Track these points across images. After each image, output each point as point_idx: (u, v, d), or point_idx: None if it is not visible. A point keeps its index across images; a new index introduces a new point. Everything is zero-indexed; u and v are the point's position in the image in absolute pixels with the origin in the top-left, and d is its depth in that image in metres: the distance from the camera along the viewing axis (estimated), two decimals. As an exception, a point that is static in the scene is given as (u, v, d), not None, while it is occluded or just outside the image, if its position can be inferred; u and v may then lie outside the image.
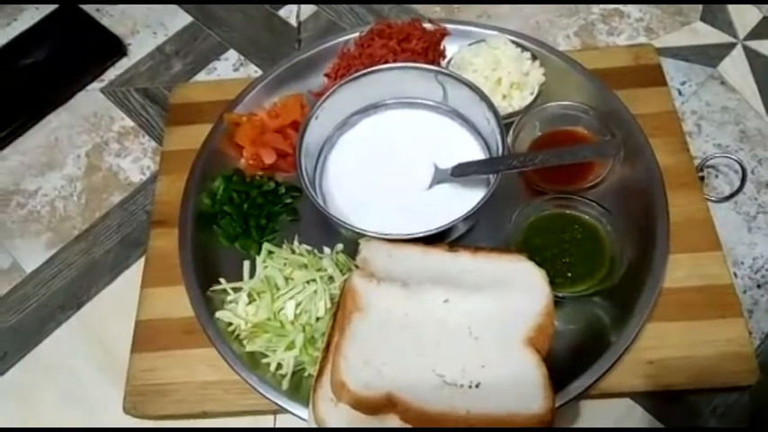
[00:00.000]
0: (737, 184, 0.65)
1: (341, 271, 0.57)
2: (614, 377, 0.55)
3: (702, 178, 0.64)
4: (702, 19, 0.79)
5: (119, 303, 0.64)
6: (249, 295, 0.57)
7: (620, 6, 0.81)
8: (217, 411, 0.57)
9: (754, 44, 0.76)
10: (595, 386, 0.54)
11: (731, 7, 0.79)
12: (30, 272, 0.67)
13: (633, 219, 0.60)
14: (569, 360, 0.55)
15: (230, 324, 0.57)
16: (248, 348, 0.56)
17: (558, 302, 0.52)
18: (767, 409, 0.56)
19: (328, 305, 0.56)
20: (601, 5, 0.81)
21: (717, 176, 0.66)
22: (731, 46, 0.76)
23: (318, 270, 0.57)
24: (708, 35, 0.78)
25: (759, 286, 0.61)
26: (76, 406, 0.60)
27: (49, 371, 0.62)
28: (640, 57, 0.72)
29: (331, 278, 0.57)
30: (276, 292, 0.56)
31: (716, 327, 0.56)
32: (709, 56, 0.75)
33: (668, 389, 0.55)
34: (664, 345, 0.56)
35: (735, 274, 0.61)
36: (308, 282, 0.57)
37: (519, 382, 0.47)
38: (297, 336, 0.54)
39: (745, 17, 0.79)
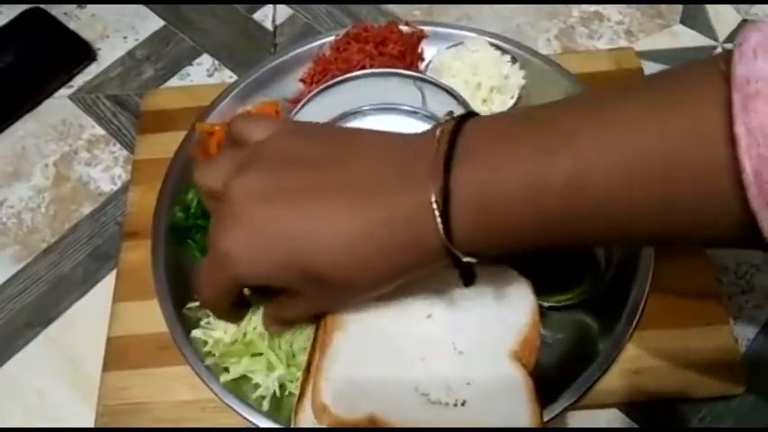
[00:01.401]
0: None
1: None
2: (601, 387, 0.54)
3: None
4: (682, 22, 0.79)
5: (89, 319, 0.62)
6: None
7: (600, 9, 0.80)
8: (193, 432, 0.55)
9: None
10: (583, 398, 0.53)
11: (711, 10, 0.79)
12: (-4, 287, 0.65)
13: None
14: (555, 371, 0.54)
15: (207, 343, 0.55)
16: (231, 376, 0.54)
17: (543, 312, 0.51)
18: (754, 418, 0.55)
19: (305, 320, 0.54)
20: (581, 7, 0.80)
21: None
22: (711, 49, 0.76)
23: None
24: (688, 38, 0.78)
25: (743, 292, 0.61)
26: (46, 426, 0.58)
27: (16, 390, 0.59)
28: (622, 60, 0.71)
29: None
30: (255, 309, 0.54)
31: (703, 335, 0.56)
32: (690, 59, 0.74)
33: (655, 398, 0.54)
34: (650, 353, 0.55)
35: (720, 281, 0.61)
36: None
37: (506, 397, 0.46)
38: (269, 354, 0.53)
39: (724, 20, 0.78)
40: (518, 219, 0.35)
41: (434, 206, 0.35)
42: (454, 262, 0.38)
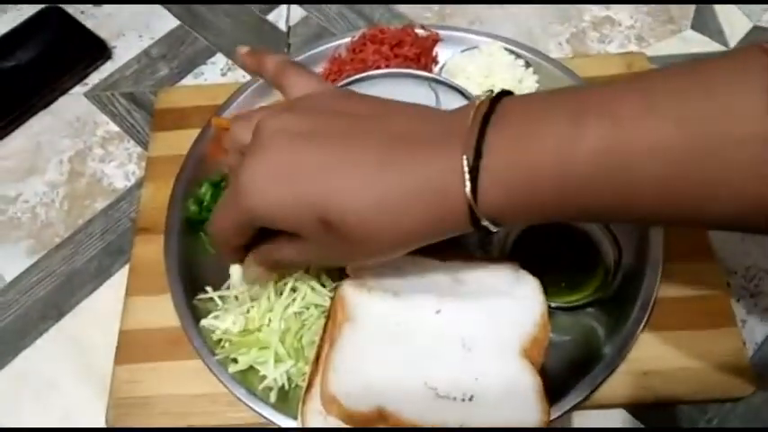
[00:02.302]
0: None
1: (331, 280, 0.56)
2: (608, 388, 0.54)
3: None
4: (693, 27, 0.79)
5: (101, 313, 0.62)
6: (236, 299, 0.56)
7: (612, 14, 0.80)
8: (203, 425, 0.55)
9: (744, 53, 0.76)
10: (590, 398, 0.53)
11: (721, 16, 0.79)
12: (10, 280, 0.65)
13: (627, 227, 0.59)
14: (563, 371, 0.54)
15: (214, 331, 0.56)
16: (239, 367, 0.54)
17: (551, 313, 0.51)
18: (761, 420, 0.55)
19: (315, 314, 0.55)
20: (593, 12, 0.81)
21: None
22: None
23: (308, 279, 0.56)
24: (698, 43, 0.78)
25: (752, 296, 0.61)
26: (57, 418, 0.58)
27: (28, 382, 0.60)
28: (633, 65, 0.72)
29: (324, 285, 0.55)
30: (265, 302, 0.55)
31: (711, 337, 0.56)
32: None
33: (663, 400, 0.54)
34: (658, 356, 0.55)
35: (728, 284, 0.61)
36: (295, 290, 0.55)
37: (514, 394, 0.46)
38: (278, 346, 0.53)
39: (735, 26, 0.79)
40: (545, 183, 0.35)
41: (465, 166, 0.36)
42: (474, 225, 0.38)
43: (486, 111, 0.37)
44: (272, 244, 0.46)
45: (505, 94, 0.39)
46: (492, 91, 0.39)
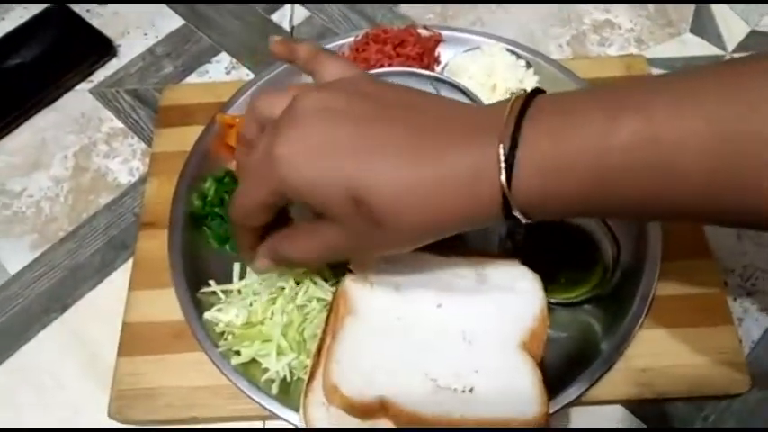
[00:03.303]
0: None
1: (334, 274, 0.57)
2: (606, 384, 0.55)
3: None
4: (692, 31, 0.80)
5: (105, 306, 0.63)
6: (239, 292, 0.57)
7: (612, 17, 0.81)
8: (205, 417, 0.56)
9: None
10: (587, 393, 0.54)
11: (720, 20, 0.80)
12: (13, 273, 0.66)
13: (625, 226, 0.60)
14: (561, 367, 0.55)
15: (217, 324, 0.56)
16: (242, 359, 0.55)
17: (550, 309, 0.52)
18: (757, 417, 0.56)
19: (317, 308, 0.55)
20: (593, 15, 0.82)
21: (707, 186, 0.67)
22: (720, 58, 0.77)
23: (310, 273, 0.56)
24: (697, 47, 0.79)
25: (749, 294, 0.61)
26: (60, 410, 0.59)
27: (32, 374, 0.61)
28: (632, 67, 0.72)
29: (326, 280, 0.56)
30: (268, 296, 0.55)
31: (708, 335, 0.56)
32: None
33: (660, 397, 0.55)
34: (655, 353, 0.56)
35: (725, 283, 0.61)
36: (298, 284, 0.56)
37: (513, 386, 0.47)
38: (280, 339, 0.54)
39: (733, 30, 0.80)
40: (580, 174, 0.36)
41: (501, 155, 0.36)
42: (506, 215, 0.38)
43: (522, 104, 0.38)
44: (286, 235, 0.46)
45: (539, 92, 0.40)
46: (525, 90, 0.40)
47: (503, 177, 0.36)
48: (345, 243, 0.42)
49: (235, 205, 0.45)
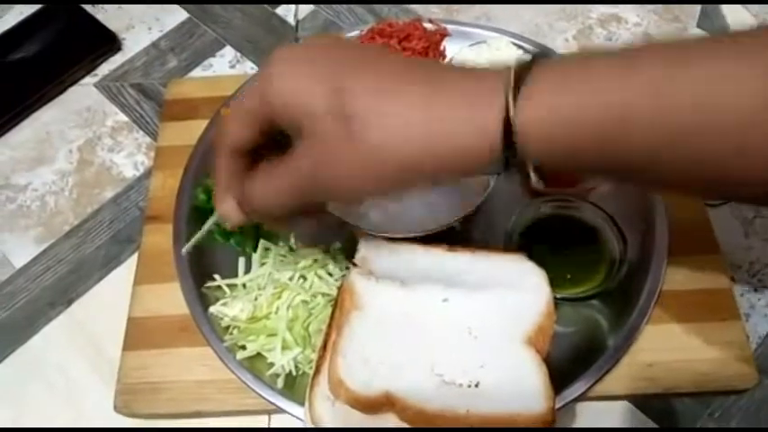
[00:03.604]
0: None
1: (339, 269, 0.56)
2: (613, 380, 0.54)
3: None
4: (699, 26, 0.80)
5: (110, 300, 0.63)
6: (244, 287, 0.57)
7: (618, 12, 0.81)
8: (210, 411, 0.56)
9: (750, 51, 0.76)
10: (594, 388, 0.53)
11: (728, 15, 0.80)
12: (19, 267, 0.66)
13: (632, 221, 0.60)
14: (568, 363, 0.55)
15: (223, 318, 0.56)
16: (247, 353, 0.55)
17: (556, 304, 0.52)
18: (764, 413, 0.56)
19: (322, 303, 0.55)
20: (600, 10, 0.81)
21: (714, 181, 0.66)
22: (728, 52, 0.77)
23: (315, 268, 0.56)
24: (704, 41, 0.78)
25: (756, 290, 0.61)
26: (66, 404, 0.59)
27: (37, 368, 0.61)
28: (639, 61, 0.72)
29: (330, 274, 0.56)
30: (273, 290, 0.55)
31: (715, 330, 0.56)
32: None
33: (667, 392, 0.55)
34: (662, 348, 0.56)
35: (732, 278, 0.61)
36: (304, 279, 0.56)
37: (519, 381, 0.47)
38: (285, 333, 0.54)
39: (740, 24, 0.79)
40: (589, 115, 0.35)
41: (511, 81, 0.35)
42: (507, 146, 0.36)
43: (526, 65, 0.37)
44: (252, 177, 0.43)
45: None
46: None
47: (510, 97, 0.35)
48: (310, 168, 0.39)
49: (221, 129, 0.44)
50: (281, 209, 0.42)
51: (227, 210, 0.45)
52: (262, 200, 0.42)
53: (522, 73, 0.36)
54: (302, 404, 0.50)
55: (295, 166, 0.40)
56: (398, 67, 0.39)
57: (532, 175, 0.38)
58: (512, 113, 0.35)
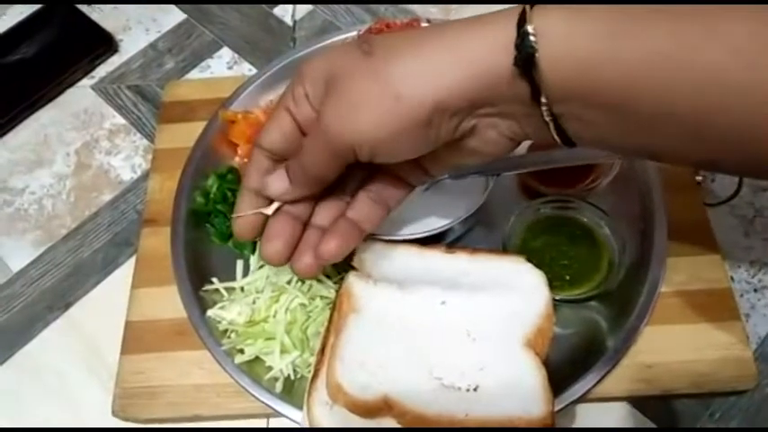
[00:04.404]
0: (734, 188, 0.65)
1: (337, 272, 0.56)
2: (612, 381, 0.54)
3: (699, 182, 0.64)
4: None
5: (108, 304, 0.62)
6: (242, 290, 0.57)
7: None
8: (209, 415, 0.55)
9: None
10: (593, 390, 0.53)
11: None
12: (16, 271, 0.66)
13: (631, 222, 0.60)
14: (567, 364, 0.54)
15: (220, 322, 0.56)
16: (245, 357, 0.55)
17: (555, 306, 0.52)
18: (764, 414, 0.55)
19: (320, 306, 0.55)
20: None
21: (713, 181, 0.66)
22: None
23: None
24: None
25: (756, 290, 0.61)
26: (64, 407, 0.59)
27: (35, 372, 0.60)
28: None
29: (329, 277, 0.56)
30: (271, 294, 0.55)
31: (715, 331, 0.56)
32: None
33: (666, 393, 0.55)
34: (662, 349, 0.55)
35: (732, 278, 0.61)
36: (302, 282, 0.56)
37: (518, 385, 0.47)
38: (283, 337, 0.54)
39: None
40: (599, 61, 0.34)
41: (524, 11, 0.35)
42: (523, 61, 0.35)
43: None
44: (295, 157, 0.44)
45: None
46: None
47: (528, 10, 0.35)
48: (334, 104, 0.40)
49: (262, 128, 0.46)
50: (329, 164, 0.42)
51: (276, 181, 0.45)
52: (310, 157, 0.43)
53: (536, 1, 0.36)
54: (301, 408, 0.50)
55: (328, 114, 0.40)
56: (415, 30, 0.41)
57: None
58: (527, 17, 0.35)
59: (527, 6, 0.35)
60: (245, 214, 0.47)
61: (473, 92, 0.37)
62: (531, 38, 0.34)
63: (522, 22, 0.35)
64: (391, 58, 0.38)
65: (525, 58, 0.35)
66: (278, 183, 0.45)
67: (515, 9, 0.36)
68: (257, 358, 0.55)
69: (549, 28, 0.35)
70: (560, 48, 0.35)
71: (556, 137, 0.38)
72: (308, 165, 0.43)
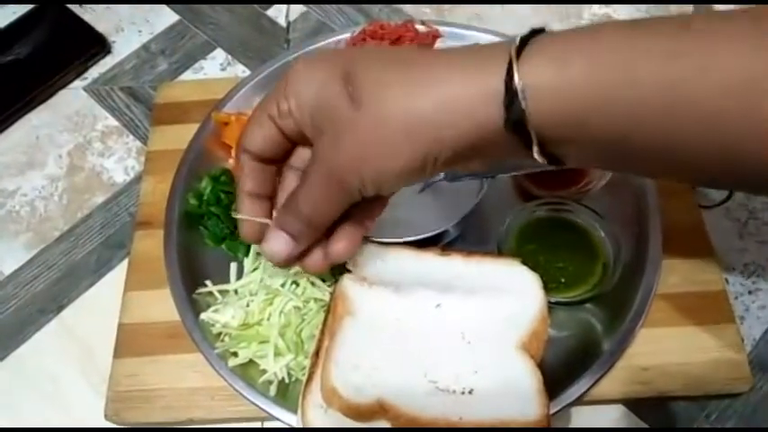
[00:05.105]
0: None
1: (331, 275, 0.56)
2: (608, 384, 0.54)
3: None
4: (692, 25, 0.79)
5: (101, 306, 0.62)
6: (236, 293, 0.57)
7: (611, 12, 0.81)
8: (202, 418, 0.55)
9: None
10: (589, 393, 0.53)
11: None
12: (8, 273, 0.65)
13: (626, 224, 0.60)
14: (562, 367, 0.54)
15: (214, 325, 0.56)
16: (239, 360, 0.55)
17: (550, 308, 0.52)
18: (759, 416, 0.55)
19: (314, 309, 0.55)
20: (592, 10, 0.81)
21: (708, 183, 0.66)
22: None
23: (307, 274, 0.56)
24: (697, 41, 0.78)
25: (750, 292, 0.61)
26: (56, 411, 0.58)
27: (28, 375, 0.60)
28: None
29: (323, 280, 0.56)
30: (265, 296, 0.55)
31: (709, 333, 0.56)
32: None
33: (662, 395, 0.55)
34: (657, 351, 0.55)
35: (726, 281, 0.61)
36: (296, 284, 0.56)
37: (513, 387, 0.47)
38: (277, 340, 0.53)
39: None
40: (592, 86, 0.34)
41: (513, 51, 0.35)
42: (510, 107, 0.35)
43: (530, 33, 0.37)
44: (289, 198, 0.44)
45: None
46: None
47: (513, 56, 0.35)
48: (333, 152, 0.40)
49: (244, 131, 0.45)
50: (333, 208, 0.42)
51: (277, 244, 0.44)
52: (309, 205, 0.42)
53: (526, 39, 0.36)
54: (295, 411, 0.50)
55: (329, 160, 0.40)
56: (403, 52, 0.42)
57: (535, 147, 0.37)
58: (515, 72, 0.35)
59: (513, 56, 0.35)
60: (251, 219, 0.46)
61: (467, 146, 0.38)
62: (520, 95, 0.35)
63: (510, 75, 0.35)
64: (382, 108, 0.38)
65: (516, 119, 0.35)
66: (280, 246, 0.44)
67: (504, 52, 0.35)
68: (251, 361, 0.55)
69: (537, 79, 0.35)
70: (551, 102, 0.35)
71: (545, 163, 0.39)
72: (311, 213, 0.42)
